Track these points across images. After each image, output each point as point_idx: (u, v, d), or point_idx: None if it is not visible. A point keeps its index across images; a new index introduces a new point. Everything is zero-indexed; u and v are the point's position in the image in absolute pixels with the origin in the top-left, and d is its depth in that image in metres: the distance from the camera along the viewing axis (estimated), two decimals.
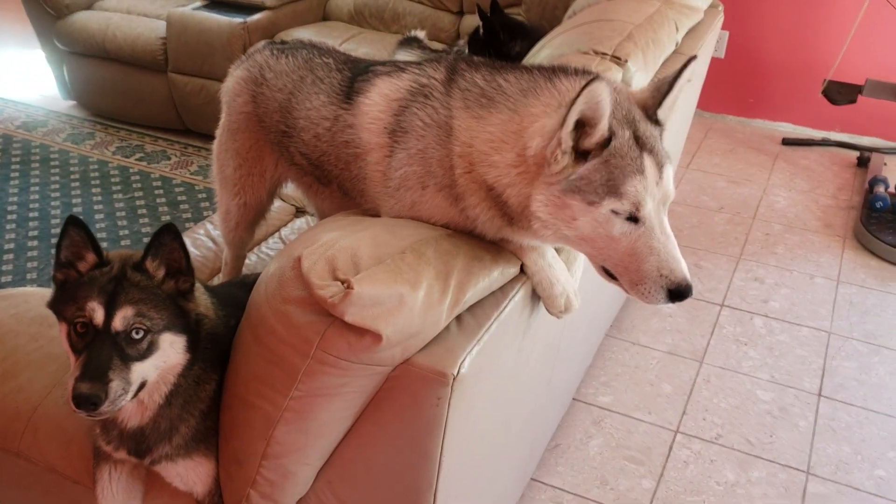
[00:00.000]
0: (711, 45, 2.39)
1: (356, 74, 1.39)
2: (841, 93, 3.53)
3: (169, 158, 3.68)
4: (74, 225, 1.10)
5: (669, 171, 1.11)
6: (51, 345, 1.41)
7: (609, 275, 1.14)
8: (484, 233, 1.20)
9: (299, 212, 2.31)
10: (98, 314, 1.05)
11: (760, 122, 4.16)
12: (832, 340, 2.59)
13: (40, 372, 1.37)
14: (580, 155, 1.07)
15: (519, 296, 1.21)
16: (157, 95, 3.82)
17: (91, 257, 1.12)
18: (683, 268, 1.10)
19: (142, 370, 1.06)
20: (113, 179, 3.47)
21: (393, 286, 0.98)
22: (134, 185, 3.42)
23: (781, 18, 3.90)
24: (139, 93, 3.88)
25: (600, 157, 1.05)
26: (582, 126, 1.05)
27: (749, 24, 3.97)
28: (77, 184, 3.43)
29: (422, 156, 1.21)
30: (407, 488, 1.16)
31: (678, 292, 1.09)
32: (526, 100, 1.14)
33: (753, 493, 2.03)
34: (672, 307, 2.71)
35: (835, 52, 3.75)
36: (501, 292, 1.18)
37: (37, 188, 3.38)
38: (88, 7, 4.02)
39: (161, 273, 1.12)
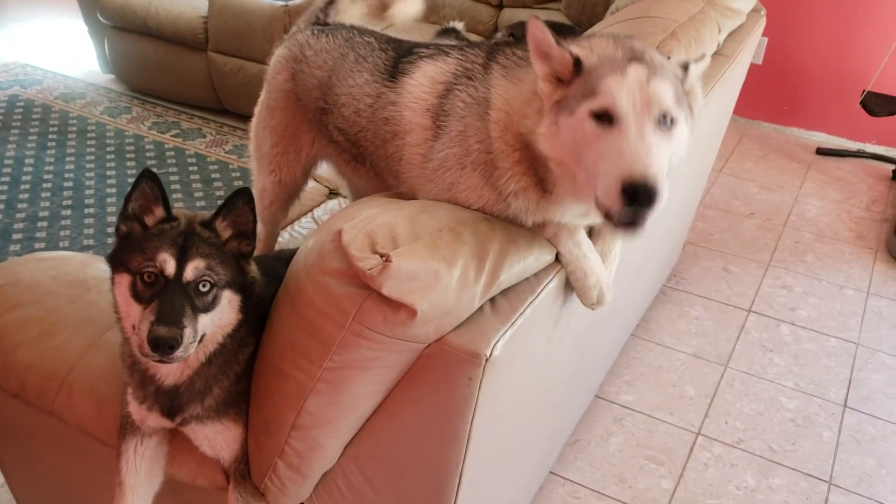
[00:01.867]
0: (752, 48, 2.37)
1: (401, 55, 1.41)
2: (879, 104, 3.49)
3: (204, 136, 3.71)
4: (149, 178, 1.13)
5: (662, 83, 1.02)
6: (88, 308, 1.43)
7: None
8: (519, 212, 1.19)
9: (332, 193, 2.32)
10: (170, 265, 1.07)
11: (795, 131, 4.12)
12: (860, 352, 2.57)
13: (77, 333, 1.40)
14: (569, 80, 1.08)
15: (553, 284, 1.22)
16: (196, 74, 3.86)
17: (160, 212, 1.14)
18: (645, 168, 0.95)
19: (204, 323, 1.09)
20: (148, 154, 3.51)
21: (430, 262, 0.99)
22: (168, 161, 3.46)
23: (822, 27, 3.86)
24: (178, 70, 3.91)
25: (579, 78, 1.06)
26: (545, 57, 1.08)
27: (789, 32, 3.93)
28: (112, 156, 3.48)
29: (462, 136, 1.22)
30: (433, 468, 1.17)
31: (631, 190, 0.94)
32: None
33: (774, 500, 2.02)
34: (700, 311, 2.70)
35: (875, 63, 3.71)
36: (536, 278, 1.19)
37: (72, 158, 3.43)
38: None
39: (228, 233, 1.15)
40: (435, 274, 0.99)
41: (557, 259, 1.25)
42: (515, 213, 1.19)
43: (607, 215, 1.00)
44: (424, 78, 1.32)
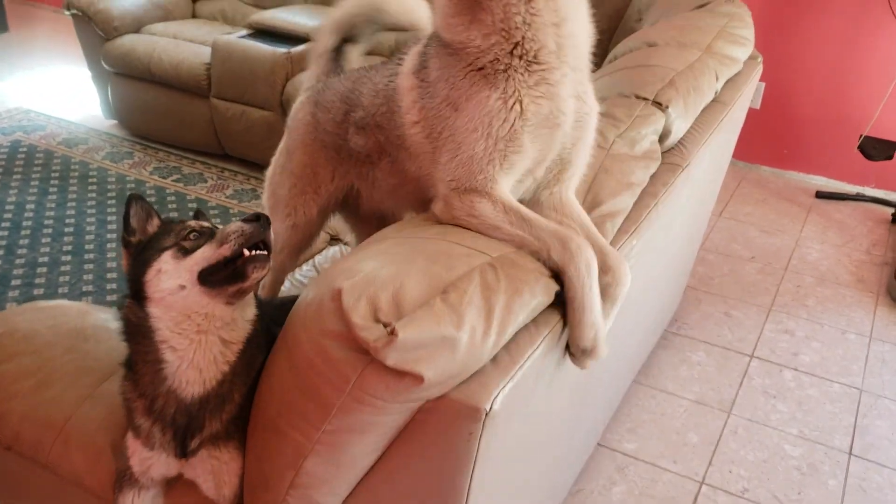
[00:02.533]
0: (749, 95, 2.39)
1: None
2: (877, 148, 3.51)
3: (205, 181, 3.73)
4: (137, 200, 1.23)
5: None
6: (85, 358, 1.42)
7: None
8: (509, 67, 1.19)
9: (333, 240, 2.32)
10: (205, 222, 1.17)
11: (794, 174, 4.14)
12: (864, 398, 2.55)
13: (74, 384, 1.38)
14: None
15: (553, 333, 1.21)
16: (198, 119, 3.89)
17: (156, 222, 1.23)
18: None
19: None
20: (149, 199, 3.51)
21: (436, 329, 0.97)
22: (169, 206, 3.47)
23: (818, 72, 3.90)
24: (180, 116, 3.95)
25: None
26: None
27: (786, 77, 3.98)
28: (113, 201, 3.49)
29: (442, 76, 1.25)
30: None
31: None
32: None
33: None
34: (702, 356, 2.68)
35: (872, 108, 3.74)
36: (535, 328, 1.18)
37: (73, 204, 3.44)
38: (137, 30, 4.12)
39: None
40: (441, 340, 0.98)
41: (556, 303, 1.23)
42: (507, 73, 1.19)
43: None
44: (412, 53, 1.38)
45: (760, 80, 3.92)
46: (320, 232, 1.82)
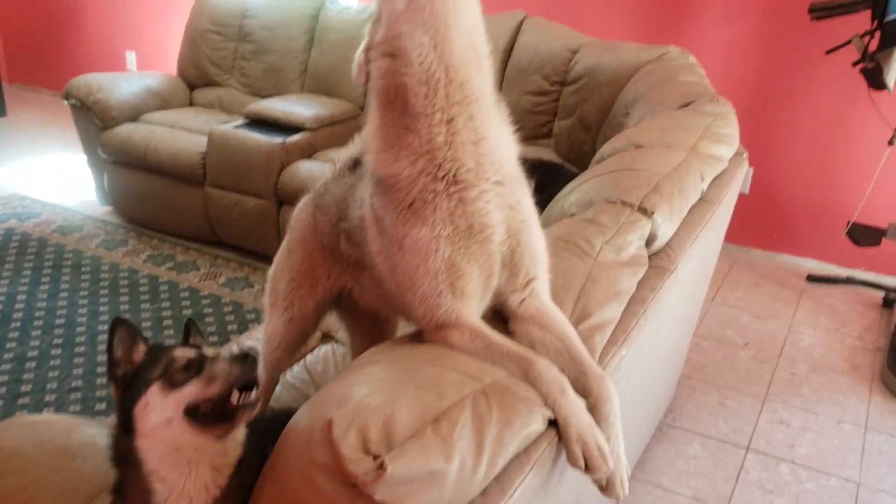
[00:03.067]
0: (735, 193, 2.43)
1: None
2: (865, 235, 3.55)
3: (198, 269, 3.74)
4: (121, 324, 1.21)
5: None
6: (71, 478, 1.40)
7: None
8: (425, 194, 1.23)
9: (325, 337, 2.32)
10: (194, 344, 1.18)
11: (785, 257, 4.17)
12: (861, 492, 2.51)
13: None
14: None
15: (543, 457, 1.20)
16: (193, 207, 3.93)
17: (142, 348, 1.21)
18: None
19: None
20: (142, 288, 3.53)
21: (426, 463, 0.97)
22: (162, 296, 3.47)
23: (805, 157, 3.98)
24: (175, 203, 3.99)
25: None
26: None
27: (773, 161, 4.05)
28: (105, 291, 3.49)
29: (376, 216, 1.32)
30: None
31: None
32: None
33: None
34: (698, 449, 2.66)
35: (859, 193, 3.80)
36: (525, 455, 1.17)
37: (65, 294, 3.44)
38: (134, 119, 4.20)
39: None
40: (431, 475, 0.97)
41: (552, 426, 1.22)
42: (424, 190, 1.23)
43: None
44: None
45: (749, 165, 4.01)
46: (316, 329, 1.84)
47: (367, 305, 1.70)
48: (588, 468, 1.20)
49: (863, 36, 3.34)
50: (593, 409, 1.25)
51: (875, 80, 3.35)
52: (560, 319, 1.34)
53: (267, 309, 1.82)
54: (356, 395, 1.07)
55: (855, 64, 3.41)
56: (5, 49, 6.66)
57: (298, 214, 1.77)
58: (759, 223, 4.18)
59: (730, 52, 4.02)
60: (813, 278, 3.93)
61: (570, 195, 1.95)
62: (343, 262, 1.64)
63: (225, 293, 3.52)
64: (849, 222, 3.66)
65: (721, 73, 3.96)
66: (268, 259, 3.82)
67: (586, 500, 1.62)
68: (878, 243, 3.57)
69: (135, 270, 3.69)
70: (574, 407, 1.20)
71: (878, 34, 3.25)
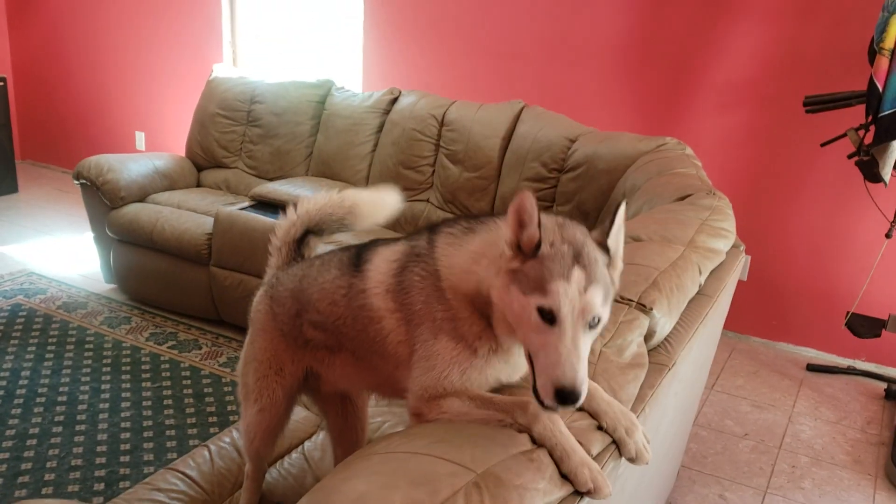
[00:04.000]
0: (733, 286, 2.47)
1: (361, 248, 1.59)
2: (864, 326, 3.57)
3: (200, 348, 3.76)
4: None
5: (596, 290, 1.23)
6: None
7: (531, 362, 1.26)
8: (489, 357, 1.37)
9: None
10: None
11: (785, 346, 4.18)
12: None
13: None
14: (526, 255, 1.26)
15: None
16: (197, 286, 3.97)
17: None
18: (574, 377, 1.19)
19: None
20: (143, 367, 3.54)
21: None
22: (163, 374, 3.48)
23: (803, 246, 4.04)
24: (179, 282, 4.03)
25: (537, 259, 1.24)
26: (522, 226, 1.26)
27: (771, 249, 4.10)
28: (108, 369, 3.50)
29: (426, 307, 1.39)
30: None
31: (562, 394, 1.18)
32: (495, 224, 1.38)
33: None
34: None
35: (858, 283, 3.84)
36: None
37: (68, 371, 3.45)
38: (142, 199, 4.28)
39: None
40: None
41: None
42: (486, 359, 1.36)
43: (533, 389, 1.22)
44: (381, 261, 1.50)
45: (747, 252, 4.06)
46: (289, 415, 1.86)
47: (333, 384, 1.77)
48: (595, 492, 1.26)
49: (857, 129, 3.43)
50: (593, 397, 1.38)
51: (871, 173, 3.43)
52: None
53: (241, 403, 1.86)
54: (353, 492, 1.08)
55: (850, 157, 3.49)
56: (19, 126, 6.82)
57: (256, 307, 1.82)
58: (759, 311, 4.20)
59: (725, 142, 4.12)
60: (813, 368, 3.93)
61: None
62: (306, 347, 1.70)
63: (226, 373, 3.52)
64: (848, 313, 3.69)
65: (717, 162, 4.05)
66: None
67: None
68: (878, 335, 3.59)
69: (137, 348, 3.71)
70: (569, 437, 1.28)
71: (872, 129, 3.34)
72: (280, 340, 1.74)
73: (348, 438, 1.96)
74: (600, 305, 1.23)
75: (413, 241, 1.48)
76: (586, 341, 1.23)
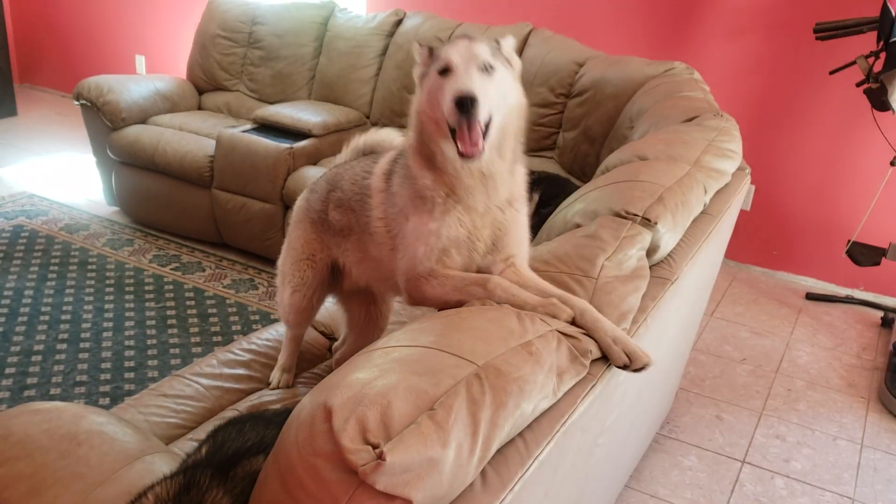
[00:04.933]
0: (737, 207, 2.46)
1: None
2: (864, 254, 3.58)
3: (203, 270, 3.77)
4: None
5: (482, 45, 1.47)
6: (78, 464, 1.42)
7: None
8: (436, 201, 1.54)
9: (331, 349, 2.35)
10: None
11: (784, 275, 4.20)
12: None
13: (66, 490, 1.38)
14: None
15: (544, 454, 1.23)
16: (199, 209, 3.97)
17: None
18: (466, 86, 1.39)
19: None
20: (147, 287, 3.56)
21: (424, 450, 0.99)
22: (167, 295, 3.50)
23: (807, 176, 4.02)
24: (181, 205, 4.02)
25: (432, 59, 1.52)
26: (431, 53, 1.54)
27: (775, 179, 4.09)
28: (111, 289, 3.52)
29: (399, 191, 1.61)
30: None
31: (459, 101, 1.38)
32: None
33: None
34: (694, 460, 2.68)
35: (860, 212, 3.83)
36: (525, 448, 1.20)
37: (71, 291, 3.47)
38: (143, 121, 4.24)
39: None
40: (430, 462, 1.00)
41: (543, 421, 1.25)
42: (445, 214, 1.52)
43: (458, 152, 1.43)
44: (387, 156, 1.75)
45: (751, 182, 4.05)
46: (320, 299, 2.06)
47: (352, 279, 1.96)
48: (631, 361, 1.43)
49: (868, 56, 3.38)
50: (582, 316, 1.47)
51: (879, 100, 3.39)
52: (537, 279, 1.58)
53: (278, 287, 2.08)
54: (356, 383, 1.09)
55: (859, 84, 3.45)
56: (16, 49, 6.71)
57: (296, 204, 2.06)
58: (760, 240, 4.21)
59: (734, 69, 4.06)
60: (812, 296, 3.96)
61: (575, 205, 1.98)
62: (330, 231, 1.91)
63: (230, 294, 3.55)
64: (849, 241, 3.69)
65: (725, 89, 4.00)
66: (272, 262, 3.84)
67: (590, 486, 1.65)
68: (877, 263, 3.60)
69: (140, 269, 3.72)
70: (523, 295, 1.48)
71: (883, 55, 3.29)
72: (311, 229, 1.96)
73: (366, 336, 2.15)
74: (489, 55, 1.45)
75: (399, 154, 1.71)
76: (482, 80, 1.43)
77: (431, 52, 1.53)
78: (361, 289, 2.03)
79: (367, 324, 2.17)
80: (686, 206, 1.96)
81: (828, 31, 3.49)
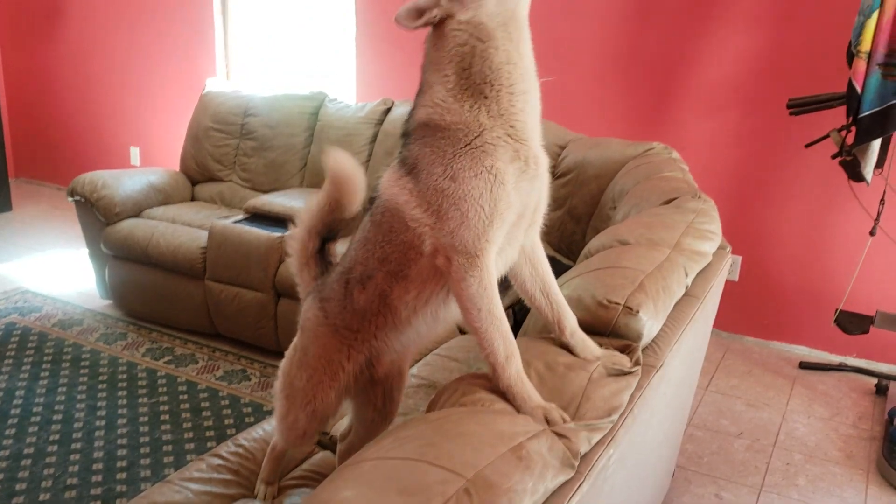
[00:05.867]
0: (720, 287, 2.50)
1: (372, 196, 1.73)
2: (853, 323, 3.60)
3: (196, 362, 3.77)
4: None
5: None
6: None
7: None
8: (494, 138, 1.49)
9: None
10: None
11: (777, 344, 4.21)
12: None
13: None
14: None
15: None
16: (192, 300, 3.99)
17: None
18: None
19: None
20: (140, 382, 3.56)
21: None
22: (160, 390, 3.49)
23: (791, 245, 4.07)
24: (175, 297, 4.05)
25: None
26: None
27: (761, 249, 4.14)
28: (104, 385, 3.52)
29: (438, 162, 1.49)
30: None
31: None
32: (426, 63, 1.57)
33: None
34: None
35: (845, 280, 3.87)
36: None
37: (64, 389, 3.47)
38: (137, 214, 4.30)
39: None
40: None
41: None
42: (493, 142, 1.47)
43: None
44: (385, 177, 1.62)
45: (737, 252, 4.10)
46: (337, 412, 1.92)
47: (387, 357, 1.83)
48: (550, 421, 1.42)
49: (840, 130, 3.47)
50: (573, 334, 1.62)
51: (854, 172, 3.47)
52: (545, 262, 1.68)
53: (281, 400, 1.90)
54: (342, 500, 1.10)
55: (834, 157, 3.53)
56: (13, 144, 6.84)
57: (306, 314, 1.87)
58: (751, 310, 4.24)
59: (713, 143, 4.16)
60: (805, 365, 3.96)
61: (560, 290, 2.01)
62: (361, 326, 1.74)
63: (222, 387, 3.54)
64: (837, 310, 3.72)
65: (706, 165, 4.09)
66: (265, 351, 3.84)
67: None
68: (866, 331, 3.62)
69: (133, 364, 3.72)
70: (518, 379, 1.48)
71: (853, 129, 3.38)
72: (334, 341, 1.78)
73: (374, 429, 2.00)
74: None
75: (400, 151, 1.60)
76: None
77: None
78: (393, 368, 1.91)
79: (377, 416, 2.01)
80: (667, 290, 1.99)
81: (800, 107, 3.60)
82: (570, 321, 1.63)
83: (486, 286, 1.48)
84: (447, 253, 1.50)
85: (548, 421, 1.40)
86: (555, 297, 1.66)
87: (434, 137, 1.51)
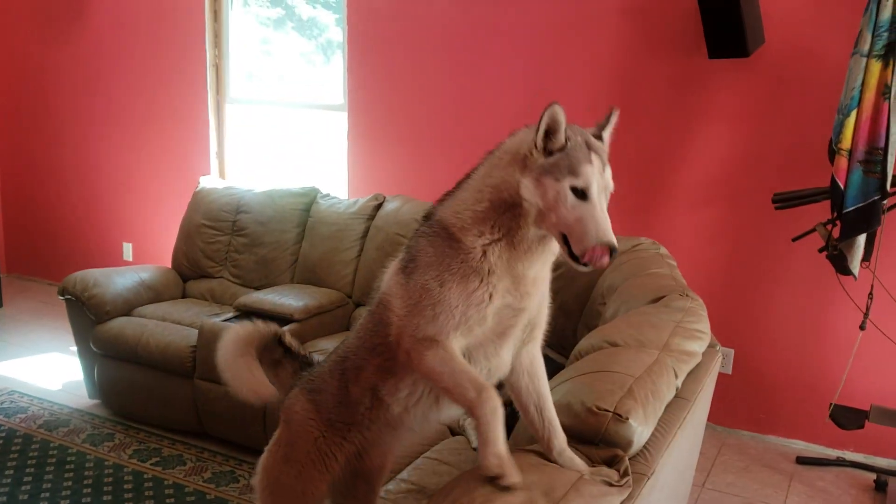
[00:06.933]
0: (711, 387, 2.49)
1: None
2: (847, 418, 3.57)
3: (184, 464, 3.70)
4: None
5: (609, 170, 1.57)
6: None
7: (564, 242, 1.55)
8: (493, 269, 1.60)
9: None
10: None
11: (773, 439, 4.17)
12: None
13: None
14: (548, 153, 1.56)
15: None
16: (181, 400, 3.95)
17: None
18: (612, 237, 1.51)
19: None
20: (126, 486, 3.48)
21: None
22: (146, 493, 3.42)
23: (783, 339, 4.08)
24: (163, 396, 4.00)
25: (563, 152, 1.54)
26: (547, 135, 1.54)
27: (753, 341, 4.14)
28: (89, 490, 3.44)
29: (436, 260, 1.62)
30: None
31: (612, 248, 1.50)
32: (485, 162, 1.73)
33: None
34: None
35: (838, 374, 3.86)
36: None
37: (47, 495, 3.38)
38: (127, 313, 4.29)
39: None
40: None
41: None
42: (491, 288, 1.58)
43: (572, 257, 1.54)
44: (389, 269, 1.75)
45: (729, 345, 4.10)
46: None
47: (377, 451, 1.88)
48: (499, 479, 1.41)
49: (826, 224, 3.52)
50: (561, 454, 1.64)
51: (841, 266, 3.51)
52: (543, 378, 1.76)
53: (265, 498, 1.90)
54: None
55: (821, 251, 3.58)
56: (5, 240, 6.87)
57: (293, 407, 1.89)
58: (745, 404, 4.20)
59: (701, 238, 4.21)
60: (802, 460, 3.91)
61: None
62: (354, 420, 1.80)
63: (210, 489, 3.47)
64: (831, 404, 3.70)
65: (694, 259, 4.13)
66: (253, 452, 3.77)
67: None
68: (861, 426, 3.59)
69: (120, 466, 3.65)
70: (499, 431, 1.48)
71: (839, 223, 3.44)
72: (326, 435, 1.82)
73: None
74: (611, 181, 1.57)
75: (409, 240, 1.73)
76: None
77: (567, 143, 1.55)
78: (379, 461, 1.95)
79: None
80: (657, 394, 1.98)
81: (785, 201, 3.67)
82: (560, 440, 1.66)
83: (449, 356, 1.56)
84: (407, 345, 1.61)
85: (498, 476, 1.41)
86: (548, 414, 1.70)
87: (444, 242, 1.63)
